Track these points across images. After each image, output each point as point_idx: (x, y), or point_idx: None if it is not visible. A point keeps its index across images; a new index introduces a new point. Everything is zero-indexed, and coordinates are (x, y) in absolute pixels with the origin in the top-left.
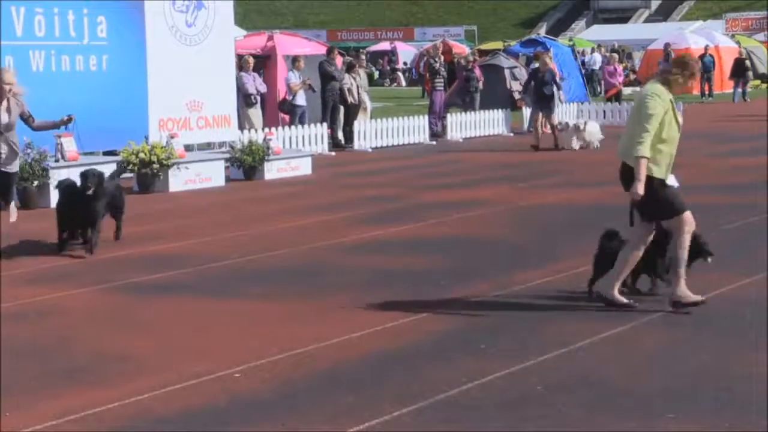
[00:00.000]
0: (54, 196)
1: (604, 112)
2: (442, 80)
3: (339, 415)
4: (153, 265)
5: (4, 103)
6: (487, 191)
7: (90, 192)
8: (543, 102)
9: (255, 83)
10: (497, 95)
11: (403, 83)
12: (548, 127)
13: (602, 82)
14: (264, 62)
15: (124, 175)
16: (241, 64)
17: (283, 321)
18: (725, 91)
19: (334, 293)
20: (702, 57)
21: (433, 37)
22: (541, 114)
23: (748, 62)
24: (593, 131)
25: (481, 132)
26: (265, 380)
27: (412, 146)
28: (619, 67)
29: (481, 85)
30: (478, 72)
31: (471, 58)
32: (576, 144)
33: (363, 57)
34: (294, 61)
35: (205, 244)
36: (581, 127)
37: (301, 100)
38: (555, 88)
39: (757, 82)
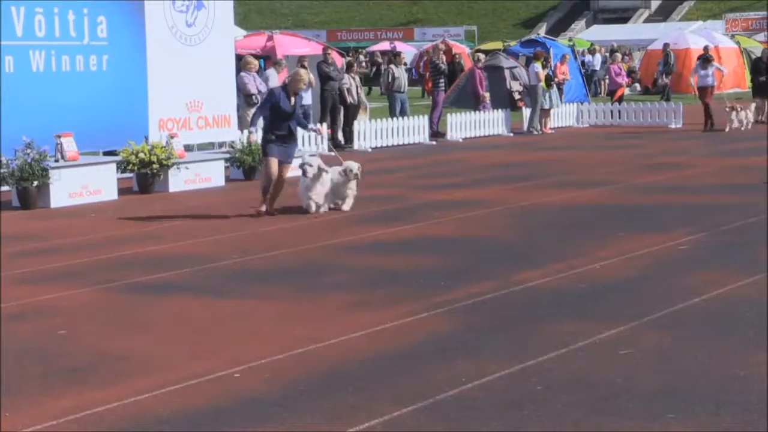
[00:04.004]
0: (54, 196)
1: (604, 112)
2: (444, 80)
3: (339, 415)
4: (153, 265)
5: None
6: (487, 191)
7: None
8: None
9: (255, 83)
10: (497, 95)
11: None
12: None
13: (602, 82)
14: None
15: (124, 175)
16: (246, 64)
17: (283, 321)
18: (725, 91)
19: (334, 293)
20: (702, 57)
21: (433, 37)
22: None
23: None
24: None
25: (481, 132)
26: (265, 380)
27: (412, 146)
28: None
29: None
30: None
31: (482, 58)
32: (320, 202)
33: (362, 57)
34: (299, 61)
35: (205, 244)
36: (322, 175)
37: (304, 99)
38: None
39: None
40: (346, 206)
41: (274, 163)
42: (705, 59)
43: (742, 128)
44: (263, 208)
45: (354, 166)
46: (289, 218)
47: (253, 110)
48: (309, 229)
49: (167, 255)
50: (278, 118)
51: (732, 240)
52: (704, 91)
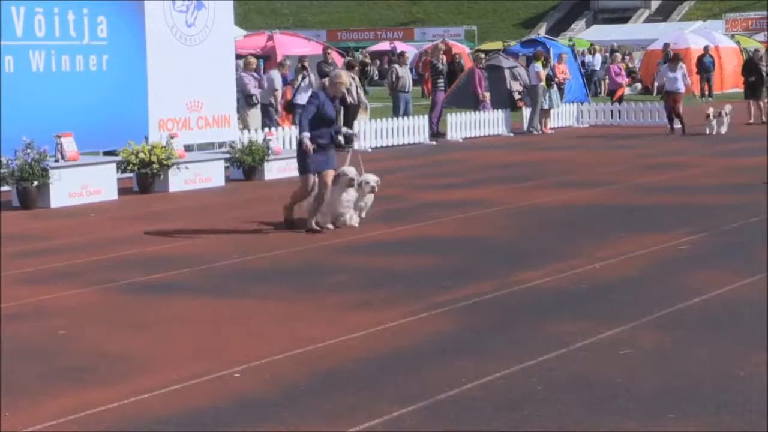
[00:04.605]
0: (54, 196)
1: (604, 112)
2: (443, 80)
3: (339, 415)
4: (153, 265)
5: None
6: (487, 191)
7: None
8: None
9: (255, 83)
10: (497, 95)
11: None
12: None
13: (602, 83)
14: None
15: (124, 175)
16: (247, 64)
17: (283, 321)
18: (725, 91)
19: (334, 293)
20: (702, 57)
21: (433, 37)
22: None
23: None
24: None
25: (481, 132)
26: (265, 380)
27: (412, 146)
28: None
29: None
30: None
31: (482, 56)
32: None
33: (361, 57)
34: (299, 61)
35: (205, 244)
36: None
37: (302, 99)
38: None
39: None
40: (355, 221)
41: (310, 180)
42: (674, 58)
43: (722, 131)
44: (314, 225)
45: (372, 179)
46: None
47: (253, 110)
48: None
49: (167, 255)
50: (321, 125)
51: (732, 240)
52: (672, 96)
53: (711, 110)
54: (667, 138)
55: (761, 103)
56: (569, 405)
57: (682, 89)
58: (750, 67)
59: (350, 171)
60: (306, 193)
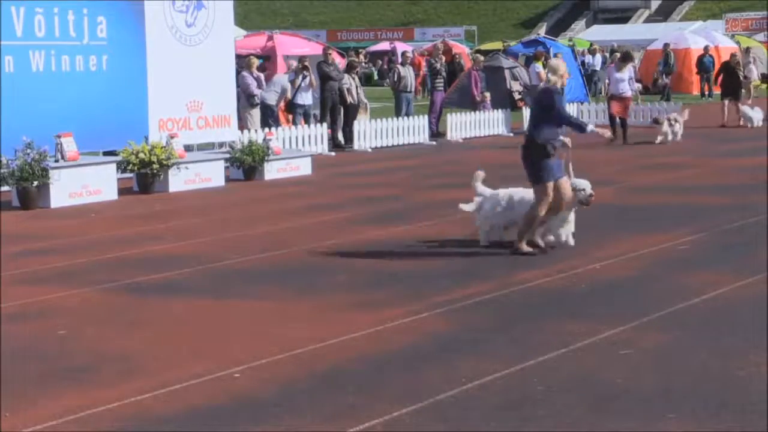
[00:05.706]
0: (54, 196)
1: (604, 112)
2: (442, 80)
3: (339, 415)
4: (153, 265)
5: None
6: None
7: None
8: None
9: (256, 83)
10: (497, 95)
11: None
12: None
13: (602, 83)
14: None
15: (124, 175)
16: (249, 64)
17: (283, 321)
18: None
19: (334, 293)
20: (702, 57)
21: (433, 37)
22: None
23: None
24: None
25: (481, 132)
26: (265, 380)
27: (412, 146)
28: None
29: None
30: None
31: (480, 59)
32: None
33: (362, 57)
34: (300, 61)
35: (205, 244)
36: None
37: (302, 99)
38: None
39: (757, 82)
40: (569, 239)
41: (551, 190)
42: (623, 57)
43: (676, 139)
44: (525, 247)
45: (587, 186)
46: (293, 218)
47: (255, 110)
48: (309, 229)
49: (167, 255)
50: (559, 124)
51: (732, 240)
52: (616, 101)
53: (671, 116)
54: (662, 140)
55: (739, 105)
56: (569, 405)
57: (628, 93)
58: (727, 70)
59: (585, 185)
60: (548, 204)
